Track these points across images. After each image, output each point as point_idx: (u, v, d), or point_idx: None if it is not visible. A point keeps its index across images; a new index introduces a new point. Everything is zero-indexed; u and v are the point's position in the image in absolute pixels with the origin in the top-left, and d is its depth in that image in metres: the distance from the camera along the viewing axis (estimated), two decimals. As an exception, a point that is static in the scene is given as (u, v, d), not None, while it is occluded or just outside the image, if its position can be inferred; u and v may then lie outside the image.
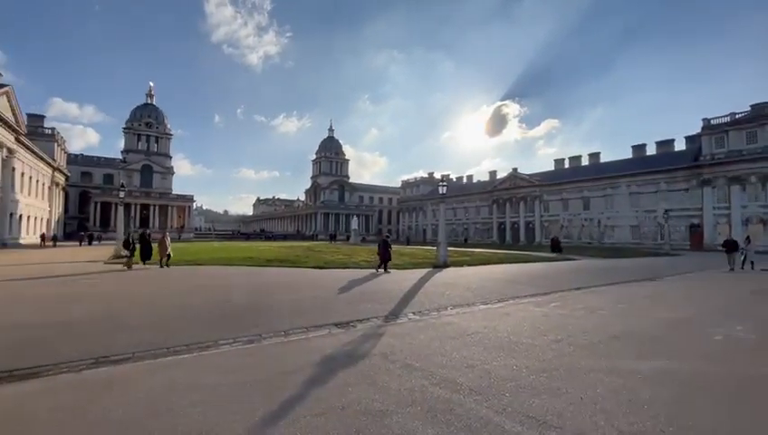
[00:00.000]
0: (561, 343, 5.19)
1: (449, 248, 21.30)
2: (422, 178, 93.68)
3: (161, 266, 15.50)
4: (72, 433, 2.78)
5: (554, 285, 11.75)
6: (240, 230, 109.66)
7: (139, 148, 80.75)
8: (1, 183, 33.51)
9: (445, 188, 19.09)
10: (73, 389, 3.64)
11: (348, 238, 62.62)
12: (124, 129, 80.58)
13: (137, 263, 15.93)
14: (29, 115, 48.08)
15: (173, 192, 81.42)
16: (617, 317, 7.17)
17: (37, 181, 46.46)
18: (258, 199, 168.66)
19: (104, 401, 3.31)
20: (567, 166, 62.99)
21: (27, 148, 40.97)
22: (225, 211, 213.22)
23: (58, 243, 39.87)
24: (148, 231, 19.21)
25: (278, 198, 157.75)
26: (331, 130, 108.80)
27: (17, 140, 36.88)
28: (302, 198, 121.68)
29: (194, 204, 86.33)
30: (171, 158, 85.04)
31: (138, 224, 68.09)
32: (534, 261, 21.93)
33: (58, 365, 4.22)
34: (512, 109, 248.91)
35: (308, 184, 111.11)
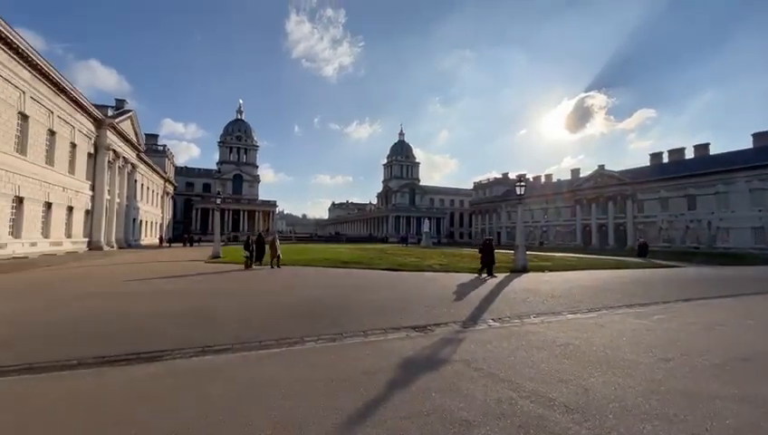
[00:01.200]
0: (672, 363, 4.53)
1: (528, 252, 20.07)
2: (496, 178, 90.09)
3: (272, 267, 16.43)
4: (188, 411, 3.12)
5: (656, 294, 10.39)
6: (317, 233, 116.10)
7: (231, 159, 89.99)
8: (127, 193, 39.71)
9: (523, 188, 18.05)
10: (186, 373, 4.11)
11: (419, 241, 62.56)
12: (219, 143, 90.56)
13: (257, 264, 16.98)
14: (146, 135, 56.28)
15: (259, 198, 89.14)
16: (744, 335, 6.07)
17: (152, 191, 54.25)
18: (333, 203, 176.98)
19: (211, 387, 3.67)
20: (666, 160, 55.50)
21: (145, 163, 48.04)
22: (304, 215, 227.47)
23: (166, 244, 46.09)
24: (265, 235, 20.29)
25: (351, 202, 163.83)
26: (401, 134, 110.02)
27: (138, 156, 43.43)
28: (374, 201, 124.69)
29: (276, 209, 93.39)
30: (257, 167, 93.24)
31: (230, 228, 75.94)
32: (628, 267, 19.67)
33: (173, 351, 4.82)
34: (597, 100, 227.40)
35: (380, 188, 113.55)
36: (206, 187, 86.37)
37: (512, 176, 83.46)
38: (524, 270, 16.34)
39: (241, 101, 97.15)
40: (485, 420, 2.99)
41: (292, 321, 6.64)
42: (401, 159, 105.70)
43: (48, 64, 22.90)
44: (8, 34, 19.20)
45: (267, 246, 17.45)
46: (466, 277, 14.09)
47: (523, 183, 17.99)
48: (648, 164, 57.76)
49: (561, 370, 4.19)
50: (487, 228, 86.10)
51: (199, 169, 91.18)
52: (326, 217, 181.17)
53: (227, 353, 4.82)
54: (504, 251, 38.47)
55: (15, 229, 21.38)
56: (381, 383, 3.75)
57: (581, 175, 66.26)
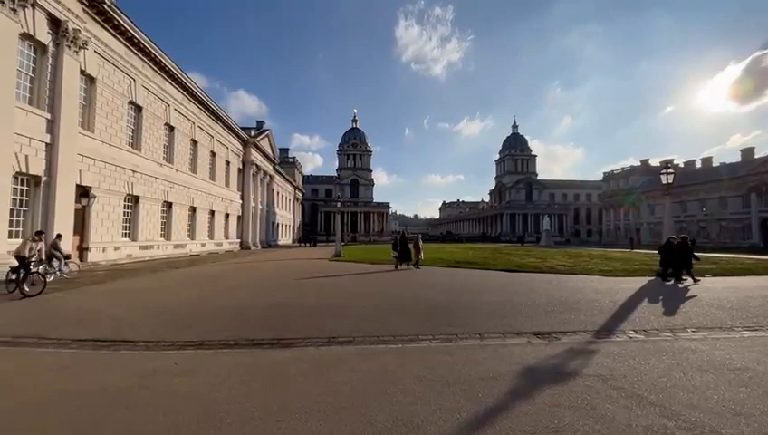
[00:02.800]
0: None
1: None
2: (632, 167, 77.52)
3: (416, 267, 16.25)
4: (315, 394, 3.45)
5: None
6: (428, 233, 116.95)
7: (348, 165, 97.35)
8: (266, 200, 46.38)
9: (671, 176, 15.07)
10: (316, 360, 4.56)
11: (538, 240, 57.77)
12: (337, 151, 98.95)
13: (405, 265, 16.66)
14: (280, 149, 64.86)
15: (374, 201, 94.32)
16: None
17: (285, 198, 62.21)
18: (444, 203, 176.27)
19: (336, 375, 3.99)
20: None
21: (279, 173, 55.39)
22: (415, 215, 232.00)
23: (299, 244, 52.17)
24: (408, 233, 19.68)
25: (462, 201, 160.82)
26: (514, 126, 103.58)
27: (274, 168, 50.33)
28: (487, 199, 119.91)
29: (390, 210, 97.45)
30: (371, 171, 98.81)
31: (349, 228, 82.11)
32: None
33: (304, 340, 5.40)
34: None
35: (492, 185, 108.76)
36: (328, 192, 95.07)
37: (653, 163, 70.71)
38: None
39: (355, 111, 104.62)
40: (630, 448, 2.56)
41: (407, 319, 6.79)
42: (515, 152, 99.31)
43: (209, 98, 28.26)
44: (183, 79, 24.33)
45: (411, 246, 17.15)
46: (596, 280, 12.42)
47: (670, 170, 15.04)
48: None
49: (736, 400, 3.34)
50: (622, 225, 74.59)
51: (322, 177, 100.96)
52: (437, 216, 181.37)
53: (349, 346, 5.19)
54: (645, 252, 32.88)
55: (191, 232, 26.93)
56: (501, 391, 3.54)
57: (757, 155, 52.24)
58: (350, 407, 3.21)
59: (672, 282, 12.10)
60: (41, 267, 10.20)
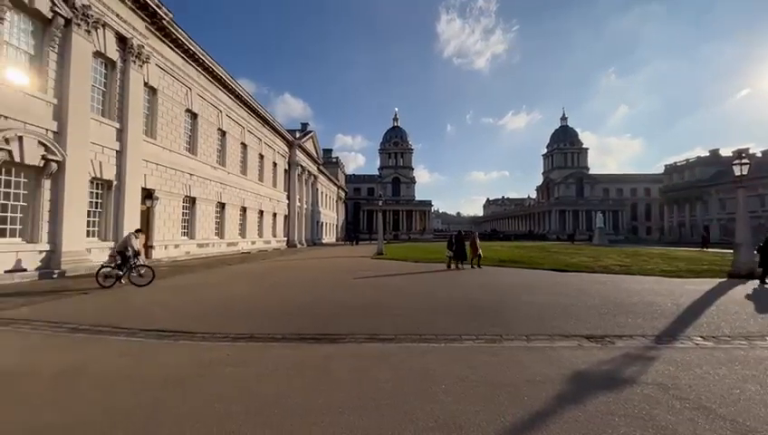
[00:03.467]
0: None
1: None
2: (699, 158, 70.65)
3: (472, 266, 15.76)
4: (358, 391, 3.51)
5: None
6: (472, 230, 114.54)
7: (390, 164, 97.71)
8: (311, 200, 47.81)
9: (746, 166, 13.54)
10: (357, 356, 4.63)
11: (590, 238, 54.50)
12: (379, 150, 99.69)
13: (460, 264, 16.01)
14: (323, 150, 66.54)
15: (415, 199, 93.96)
16: None
17: (329, 197, 63.73)
18: (488, 200, 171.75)
19: (378, 372, 4.04)
20: None
21: (323, 173, 56.85)
22: (458, 213, 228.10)
23: (342, 242, 53.27)
24: (464, 231, 19.40)
25: (507, 198, 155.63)
26: (563, 118, 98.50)
27: (318, 169, 51.75)
28: (533, 195, 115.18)
29: (432, 208, 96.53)
30: (413, 169, 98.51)
31: (391, 227, 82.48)
32: None
33: (347, 336, 5.51)
34: None
35: (539, 181, 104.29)
36: (370, 191, 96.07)
37: (724, 153, 63.95)
38: (751, 276, 12.26)
39: (396, 110, 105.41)
40: (696, 464, 2.35)
41: (451, 318, 6.71)
42: (564, 146, 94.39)
43: (257, 103, 29.61)
44: (234, 87, 25.71)
45: (467, 244, 16.42)
46: (657, 281, 11.49)
47: (745, 160, 13.54)
48: None
49: (828, 419, 2.95)
50: (687, 222, 68.37)
51: (364, 176, 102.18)
52: (480, 214, 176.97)
53: (391, 343, 5.22)
54: (716, 251, 30.02)
55: (242, 231, 28.42)
56: (548, 396, 3.39)
57: None
58: (392, 404, 3.23)
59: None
60: (139, 259, 11.22)
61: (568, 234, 69.94)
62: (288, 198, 39.09)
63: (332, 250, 33.88)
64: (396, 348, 5.00)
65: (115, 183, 15.35)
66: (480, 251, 16.14)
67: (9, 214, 11.67)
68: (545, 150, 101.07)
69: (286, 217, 38.70)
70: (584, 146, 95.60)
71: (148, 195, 17.59)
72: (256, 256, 25.02)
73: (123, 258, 10.54)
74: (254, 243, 30.02)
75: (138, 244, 11.20)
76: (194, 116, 21.92)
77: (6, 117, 11.24)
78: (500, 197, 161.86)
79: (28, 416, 3.02)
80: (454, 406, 3.17)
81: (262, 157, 32.35)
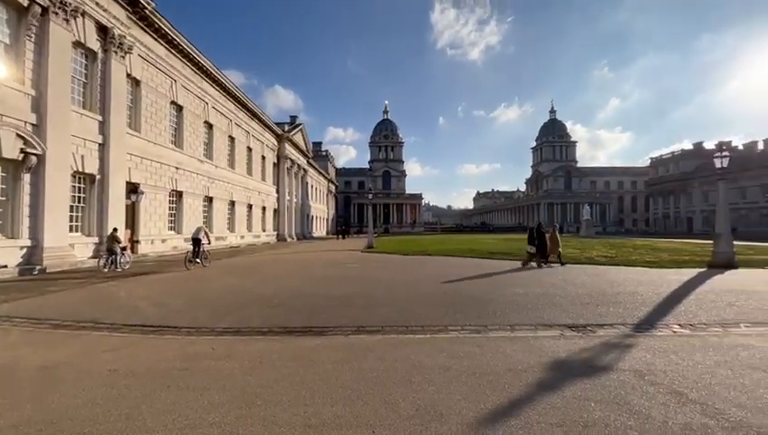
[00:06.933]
0: None
1: (736, 243, 15.43)
2: (683, 151, 72.08)
3: (561, 263, 13.98)
4: (343, 381, 3.54)
5: None
6: (462, 223, 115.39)
7: (380, 157, 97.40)
8: (300, 193, 47.52)
9: (725, 159, 13.86)
10: (344, 348, 4.67)
11: (578, 230, 55.34)
12: (369, 143, 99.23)
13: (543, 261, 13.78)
14: (313, 143, 66.00)
15: (406, 192, 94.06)
16: None
17: (319, 190, 63.41)
18: (478, 193, 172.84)
19: (363, 363, 4.07)
20: None
21: (313, 167, 56.47)
22: (449, 206, 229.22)
23: (335, 236, 53.14)
24: (545, 225, 17.39)
25: (497, 191, 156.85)
26: (552, 111, 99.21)
27: (308, 162, 51.37)
28: (523, 188, 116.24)
29: (423, 201, 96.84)
30: (404, 162, 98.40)
31: (381, 220, 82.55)
32: None
33: (335, 328, 5.53)
34: None
35: (529, 174, 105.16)
36: (361, 184, 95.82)
37: (708, 145, 65.26)
38: (729, 265, 12.63)
39: (386, 102, 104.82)
40: (665, 446, 2.44)
41: (437, 310, 6.78)
42: (553, 139, 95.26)
43: (244, 95, 29.17)
44: (220, 78, 25.26)
45: (548, 239, 14.33)
46: (640, 272, 11.75)
47: (725, 153, 13.85)
48: None
49: (792, 401, 3.08)
50: (672, 213, 69.85)
51: (355, 169, 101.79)
52: (471, 207, 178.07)
53: (378, 335, 5.26)
54: (697, 242, 30.77)
55: (231, 225, 28.15)
56: (529, 383, 3.47)
57: (835, 134, 46.81)
58: (375, 393, 3.27)
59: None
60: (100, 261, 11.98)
61: (554, 225, 70.92)
62: (277, 191, 38.78)
63: (323, 244, 33.81)
64: (382, 340, 5.04)
65: (98, 177, 15.04)
66: (560, 247, 14.48)
67: (-13, 209, 11.38)
68: (534, 143, 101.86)
69: (276, 211, 38.43)
70: (573, 139, 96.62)
71: (133, 189, 17.29)
72: (245, 250, 24.84)
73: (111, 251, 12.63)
74: (243, 237, 29.78)
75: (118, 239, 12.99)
76: (179, 108, 21.52)
77: (-18, 109, 10.91)
78: (490, 189, 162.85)
79: (8, 412, 2.99)
80: (435, 395, 3.22)
81: (250, 150, 31.97)
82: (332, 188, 78.76)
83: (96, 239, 14.88)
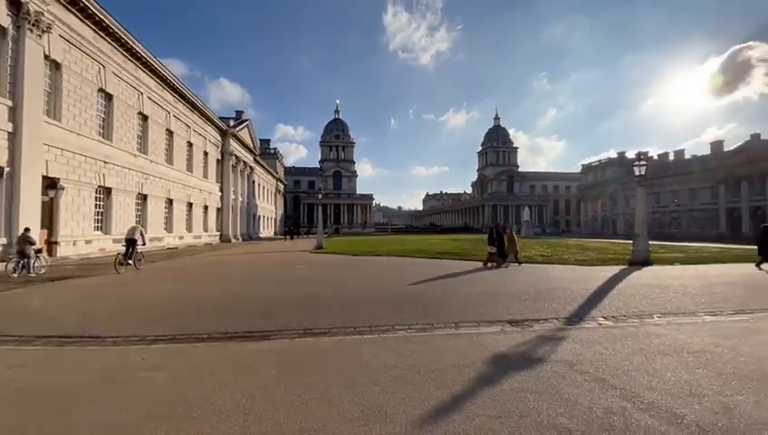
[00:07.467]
0: None
1: (652, 242, 17.30)
2: (609, 159, 79.44)
3: (518, 263, 14.32)
4: (288, 385, 3.42)
5: (844, 296, 8.01)
6: (411, 224, 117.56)
7: (331, 157, 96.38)
8: (247, 192, 45.55)
9: (643, 168, 15.51)
10: (289, 352, 4.52)
11: (518, 231, 58.85)
12: (320, 142, 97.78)
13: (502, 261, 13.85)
14: (260, 140, 63.59)
15: (357, 193, 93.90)
16: None
17: (267, 190, 61.24)
18: (427, 194, 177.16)
19: (309, 366, 3.97)
20: None
21: (260, 165, 54.40)
22: (399, 207, 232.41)
23: (283, 237, 51.55)
24: (502, 224, 17.40)
25: (446, 193, 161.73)
26: (496, 118, 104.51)
27: (254, 159, 49.38)
28: (470, 191, 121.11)
29: (374, 202, 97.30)
30: (355, 163, 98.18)
31: (332, 221, 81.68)
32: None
33: (280, 332, 5.35)
34: (758, 51, 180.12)
35: (475, 177, 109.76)
36: (311, 184, 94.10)
37: (630, 155, 72.51)
38: (646, 263, 14.12)
39: (338, 101, 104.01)
40: (589, 430, 2.64)
41: (385, 309, 6.81)
42: (497, 145, 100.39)
43: (184, 86, 27.37)
44: (157, 66, 23.46)
45: (506, 239, 14.38)
46: (572, 269, 12.76)
47: (643, 162, 15.48)
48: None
49: (693, 381, 3.49)
50: (599, 216, 76.76)
51: (305, 168, 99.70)
52: (420, 208, 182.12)
53: (324, 337, 5.17)
54: (621, 242, 33.99)
55: (168, 225, 26.25)
56: (471, 378, 3.60)
57: (727, 148, 54.38)
58: (320, 397, 3.20)
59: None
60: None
61: (488, 227, 74.76)
62: (221, 190, 36.84)
63: (270, 245, 32.69)
64: (329, 341, 4.97)
65: (7, 169, 13.29)
66: (519, 247, 14.93)
67: None
68: (480, 148, 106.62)
69: (219, 210, 36.48)
70: (515, 145, 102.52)
71: (51, 184, 15.47)
72: (184, 251, 23.28)
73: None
74: (181, 238, 27.90)
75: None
76: (109, 97, 19.65)
77: None
78: (439, 191, 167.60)
79: None
80: (381, 395, 3.22)
81: (191, 145, 30.05)
82: (281, 187, 76.49)
83: (4, 241, 13.12)
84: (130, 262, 12.79)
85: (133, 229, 13.50)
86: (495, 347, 4.59)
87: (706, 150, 59.41)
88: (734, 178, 50.33)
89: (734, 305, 7.03)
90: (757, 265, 13.15)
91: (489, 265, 13.78)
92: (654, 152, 67.66)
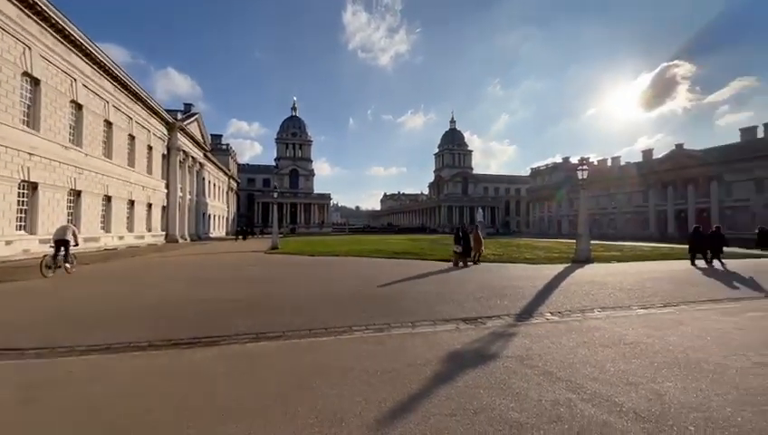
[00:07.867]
0: (771, 368, 3.87)
1: (593, 242, 18.62)
2: (555, 163, 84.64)
3: (476, 263, 14.80)
4: (240, 394, 3.23)
5: (751, 289, 9.08)
6: (369, 224, 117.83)
7: (288, 155, 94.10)
8: (196, 190, 43.17)
9: (585, 172, 16.68)
10: (240, 358, 4.29)
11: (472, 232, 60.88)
12: (276, 139, 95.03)
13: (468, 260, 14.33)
14: (211, 135, 60.56)
15: (314, 192, 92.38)
16: None
17: (218, 187, 58.45)
18: (385, 195, 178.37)
19: (262, 373, 3.79)
20: (762, 135, 47.93)
21: (211, 161, 51.80)
22: (357, 207, 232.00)
23: (234, 237, 49.39)
24: (468, 225, 17.51)
25: (403, 193, 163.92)
26: (452, 121, 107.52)
27: (205, 155, 46.91)
28: (426, 191, 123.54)
29: (331, 202, 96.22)
30: (312, 162, 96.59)
31: (288, 220, 79.66)
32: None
33: (230, 337, 5.07)
34: (682, 69, 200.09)
35: (432, 178, 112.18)
36: (266, 182, 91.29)
37: (574, 160, 77.81)
38: (588, 261, 15.17)
39: (295, 99, 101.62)
40: (539, 422, 2.74)
41: (342, 311, 6.71)
42: (453, 147, 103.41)
43: (126, 75, 25.35)
44: (94, 51, 21.51)
45: (472, 239, 14.83)
46: (521, 268, 13.39)
47: (585, 167, 16.63)
48: (739, 140, 50.34)
49: (629, 371, 3.76)
50: (546, 217, 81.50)
51: (260, 166, 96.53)
52: (378, 208, 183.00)
53: (279, 340, 4.98)
54: (565, 241, 36.24)
55: (106, 224, 24.19)
56: (427, 377, 3.62)
57: (656, 156, 60.03)
58: (273, 404, 3.06)
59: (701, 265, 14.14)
60: None
61: (454, 227, 77.06)
62: (167, 187, 34.57)
63: (221, 245, 31.19)
64: (283, 345, 4.79)
65: None
66: (483, 247, 15.49)
67: None
68: (437, 150, 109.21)
69: (164, 209, 34.23)
70: (469, 148, 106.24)
71: (-38, 177, 13.64)
72: (124, 253, 21.56)
73: None
74: (122, 238, 25.84)
75: None
76: (35, 82, 17.72)
77: None
78: (397, 192, 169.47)
79: None
80: (336, 398, 3.14)
81: (133, 138, 27.89)
82: (234, 185, 73.37)
83: None
84: (61, 265, 11.52)
85: (64, 229, 12.04)
86: (451, 345, 4.66)
87: (639, 158, 65.27)
88: (662, 184, 55.67)
89: (662, 299, 7.72)
90: (692, 262, 14.78)
91: (460, 264, 13.96)
92: (594, 158, 73.27)
